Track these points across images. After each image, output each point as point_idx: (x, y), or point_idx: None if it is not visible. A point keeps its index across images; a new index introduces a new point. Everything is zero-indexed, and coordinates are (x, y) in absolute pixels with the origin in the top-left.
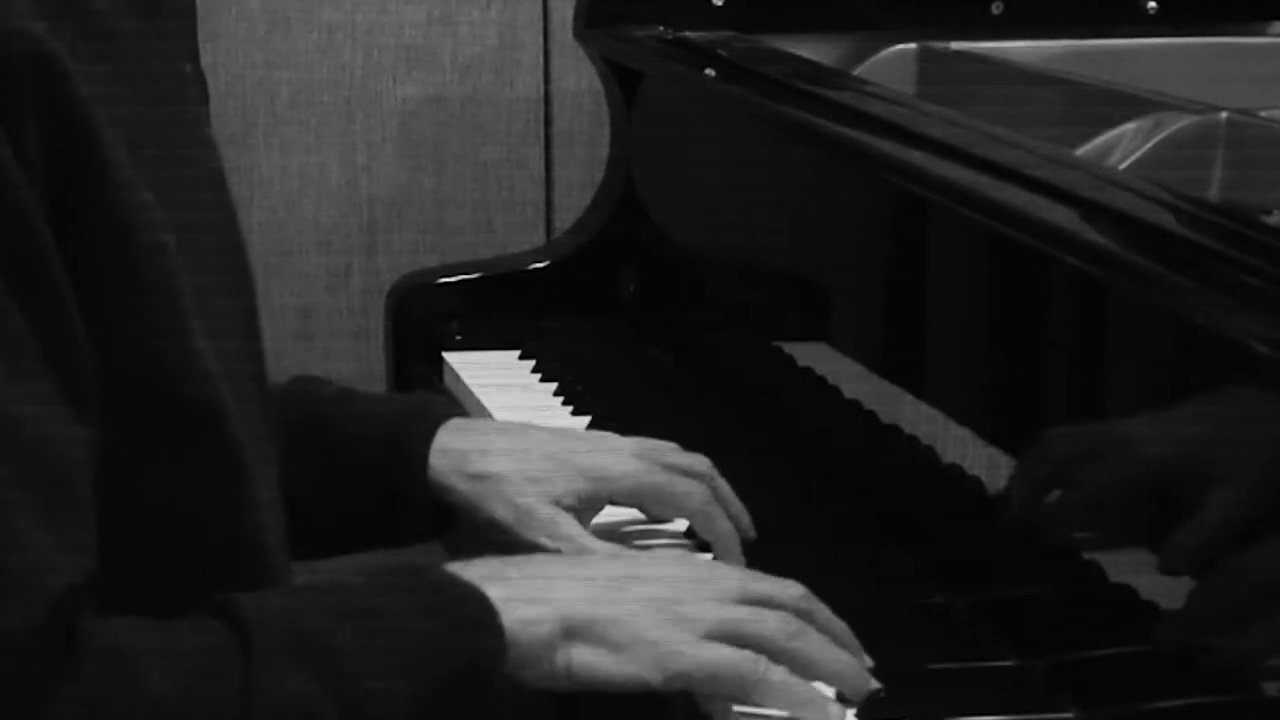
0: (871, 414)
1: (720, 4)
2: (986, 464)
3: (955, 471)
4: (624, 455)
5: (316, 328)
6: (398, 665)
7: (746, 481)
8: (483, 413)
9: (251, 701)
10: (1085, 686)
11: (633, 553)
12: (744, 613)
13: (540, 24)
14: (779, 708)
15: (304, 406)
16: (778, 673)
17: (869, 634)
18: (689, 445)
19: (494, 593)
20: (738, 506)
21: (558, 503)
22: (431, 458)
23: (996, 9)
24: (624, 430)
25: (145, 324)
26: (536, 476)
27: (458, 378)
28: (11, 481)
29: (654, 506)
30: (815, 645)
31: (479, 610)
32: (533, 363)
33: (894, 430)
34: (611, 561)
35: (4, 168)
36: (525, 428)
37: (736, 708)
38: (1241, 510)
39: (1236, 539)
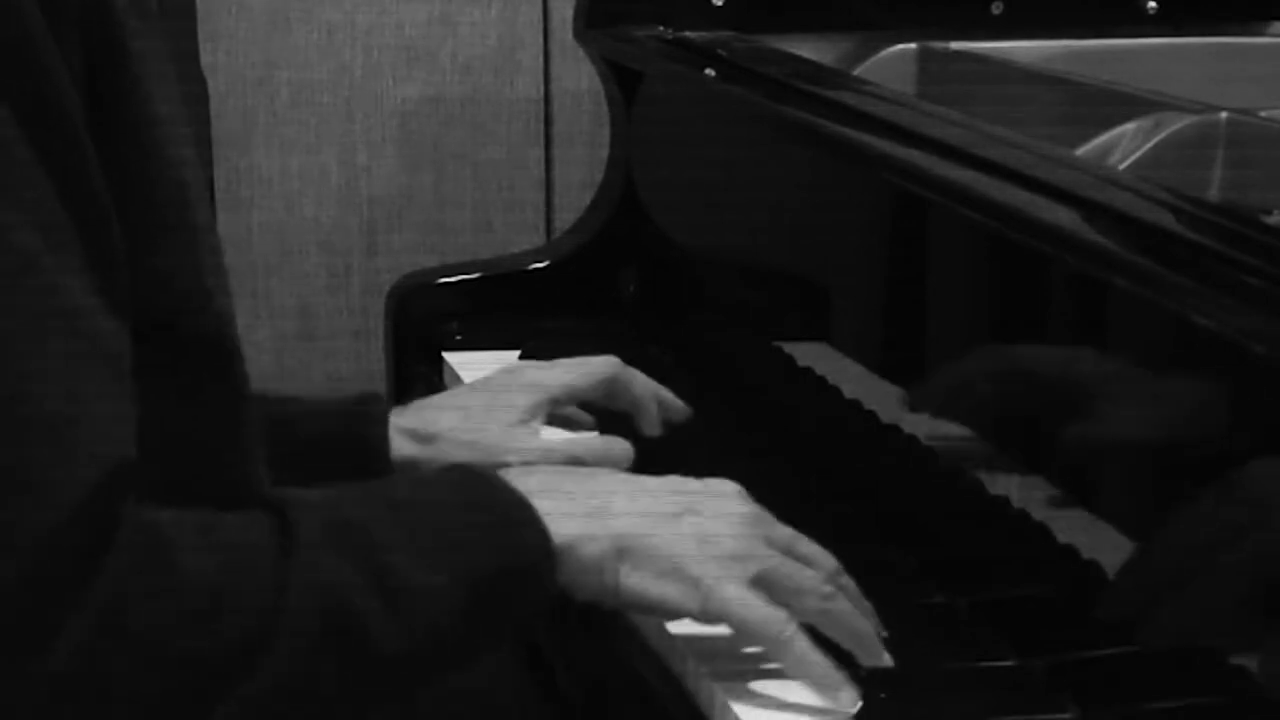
0: (871, 414)
1: (720, 4)
2: (986, 464)
3: (955, 471)
4: (544, 366)
5: (316, 328)
6: (441, 561)
7: (747, 481)
8: None
9: (287, 589)
10: (1085, 686)
11: (695, 484)
12: (787, 566)
13: (540, 24)
14: (795, 674)
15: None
16: (802, 642)
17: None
18: (689, 445)
19: (545, 505)
20: (656, 384)
21: (507, 424)
22: (391, 443)
23: (996, 9)
24: (624, 430)
25: (168, 257)
26: (479, 410)
27: (458, 378)
28: (78, 355)
29: (582, 392)
30: (844, 609)
31: (524, 515)
32: (532, 363)
33: (894, 430)
34: (671, 493)
35: (53, 76)
36: (464, 387)
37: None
38: (1244, 510)
39: (1236, 538)
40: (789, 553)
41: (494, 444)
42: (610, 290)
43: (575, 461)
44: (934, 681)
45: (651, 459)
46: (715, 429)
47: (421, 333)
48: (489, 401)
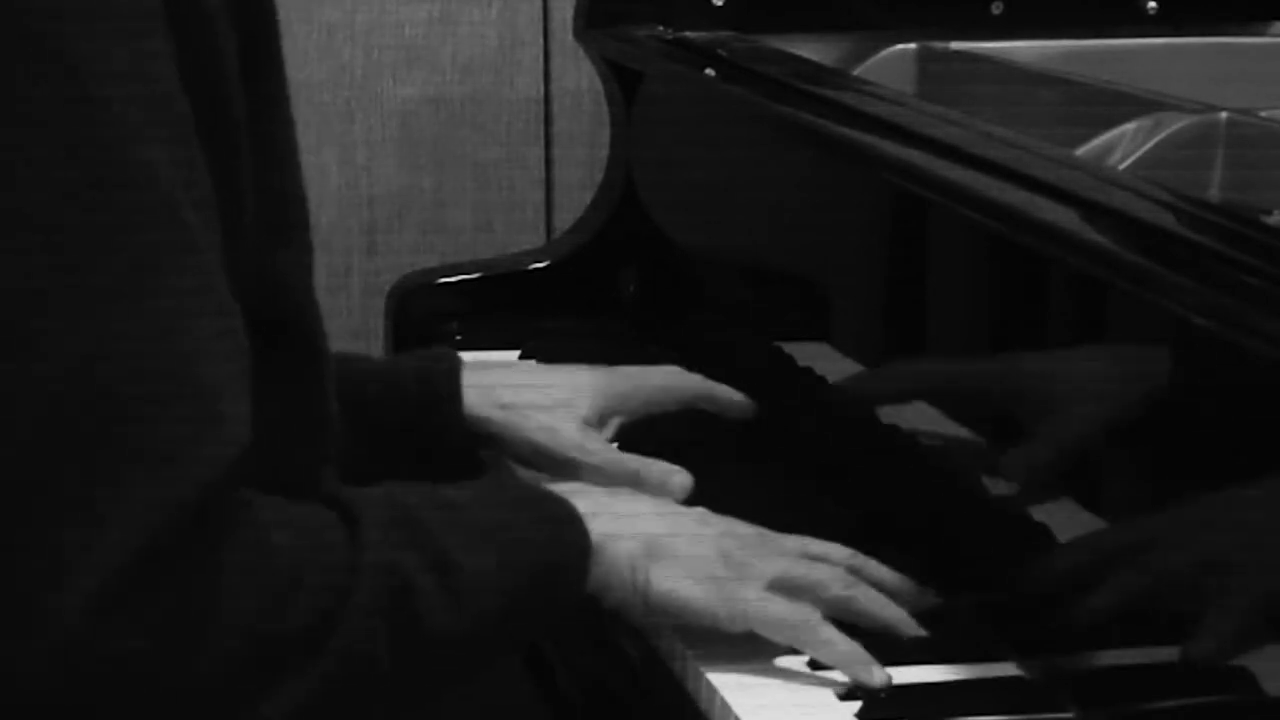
0: (871, 414)
1: (720, 4)
2: (986, 463)
3: (955, 472)
4: (632, 374)
5: None
6: (491, 555)
7: (747, 481)
8: None
9: (360, 566)
10: (1085, 686)
11: (704, 510)
12: (801, 566)
13: (540, 24)
14: (827, 660)
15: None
16: (827, 629)
17: (869, 633)
18: (689, 445)
19: (581, 505)
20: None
21: (585, 422)
22: (465, 394)
23: (996, 9)
24: (625, 430)
25: (285, 257)
26: (561, 400)
27: None
28: (225, 340)
29: (659, 403)
30: (865, 595)
31: (563, 512)
32: (532, 363)
33: (894, 430)
34: (688, 509)
35: (223, 70)
36: (539, 365)
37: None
38: (1244, 510)
39: (1236, 535)
40: (805, 555)
41: (567, 439)
42: (610, 290)
43: (634, 479)
44: (934, 682)
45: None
46: (715, 429)
47: (421, 333)
48: (573, 395)
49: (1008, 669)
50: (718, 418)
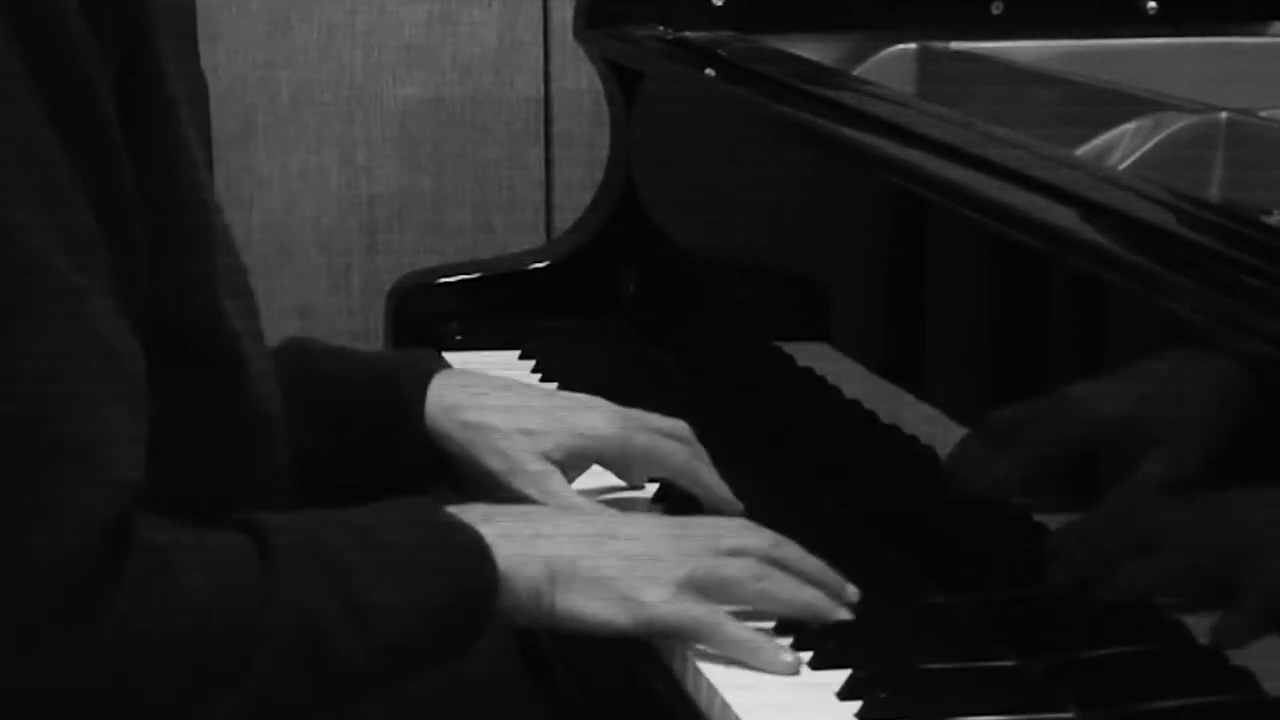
0: (871, 414)
1: (720, 4)
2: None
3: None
4: (612, 417)
5: (316, 328)
6: (401, 585)
7: (746, 481)
8: None
9: (271, 606)
10: (1085, 686)
11: (612, 512)
12: (712, 562)
13: (540, 24)
14: (737, 658)
15: (299, 364)
16: (734, 627)
17: (869, 634)
18: None
19: (487, 532)
20: (711, 471)
21: (548, 457)
22: (427, 405)
23: (996, 9)
24: None
25: (188, 267)
26: (529, 429)
27: None
28: (102, 377)
29: (638, 466)
30: (780, 585)
31: (473, 542)
32: (533, 363)
33: (894, 430)
34: (592, 518)
35: (95, 90)
36: (516, 383)
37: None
38: (1244, 509)
39: (1237, 537)
40: (714, 551)
41: (522, 470)
42: (610, 290)
43: None
44: (934, 681)
45: None
46: (715, 429)
47: (421, 333)
48: (543, 425)
49: (1007, 668)
50: (717, 418)
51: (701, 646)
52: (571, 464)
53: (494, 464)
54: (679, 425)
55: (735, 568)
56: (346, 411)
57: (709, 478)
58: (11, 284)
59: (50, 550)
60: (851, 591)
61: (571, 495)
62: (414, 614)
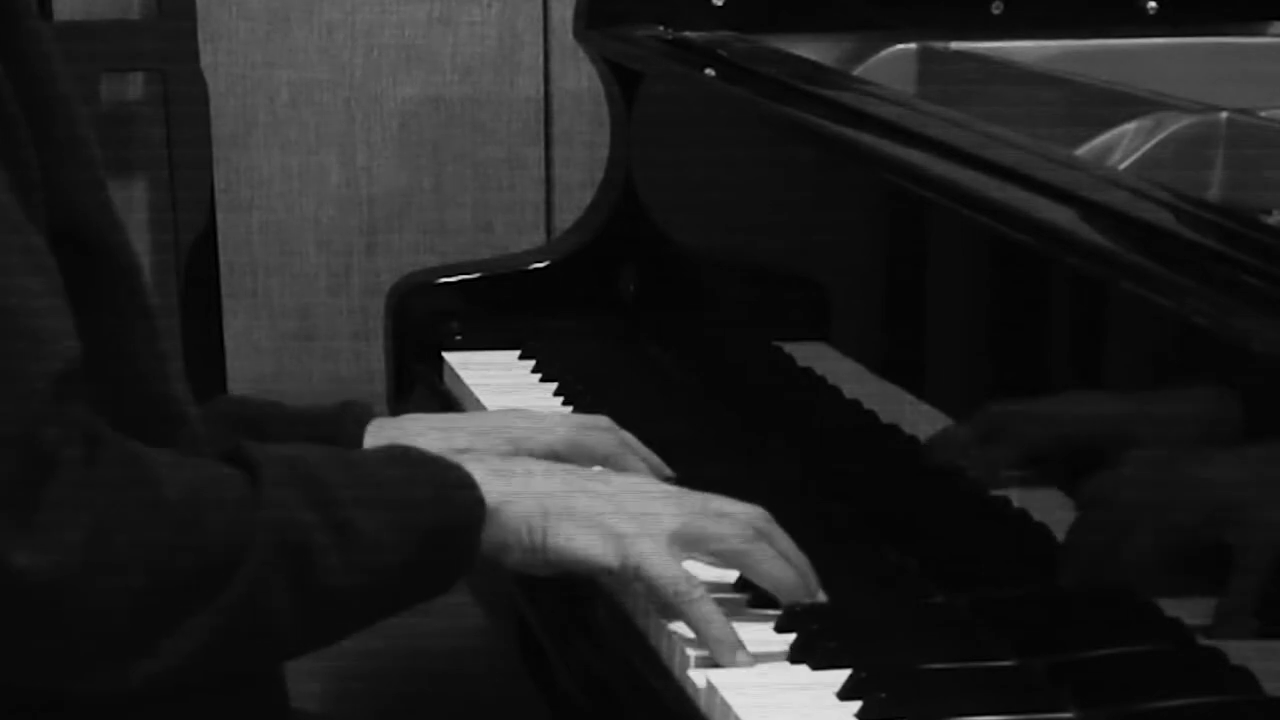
0: (871, 414)
1: (720, 4)
2: (987, 464)
3: (955, 471)
4: (537, 420)
5: (316, 328)
6: (387, 515)
7: (746, 481)
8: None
9: (257, 520)
10: (1085, 686)
11: (606, 470)
12: (702, 520)
13: (540, 24)
14: (697, 635)
15: (234, 418)
16: (707, 606)
17: (869, 634)
18: (688, 445)
19: (477, 469)
20: (646, 451)
21: None
22: (365, 447)
23: (996, 9)
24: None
25: (67, 173)
26: (462, 449)
27: (458, 378)
28: (25, 261)
29: (569, 457)
30: (764, 555)
31: (460, 476)
32: (533, 363)
33: (894, 430)
34: (586, 470)
35: None
36: (450, 416)
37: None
38: (1241, 509)
39: (1236, 536)
40: (707, 512)
41: None
42: (610, 290)
43: None
44: (934, 681)
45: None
46: (715, 429)
47: (421, 333)
48: (472, 442)
49: (1007, 668)
50: (717, 418)
51: (674, 626)
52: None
53: None
54: (600, 419)
55: (724, 528)
56: None
57: (634, 462)
58: None
59: (6, 419)
60: (821, 597)
61: None
62: (398, 537)
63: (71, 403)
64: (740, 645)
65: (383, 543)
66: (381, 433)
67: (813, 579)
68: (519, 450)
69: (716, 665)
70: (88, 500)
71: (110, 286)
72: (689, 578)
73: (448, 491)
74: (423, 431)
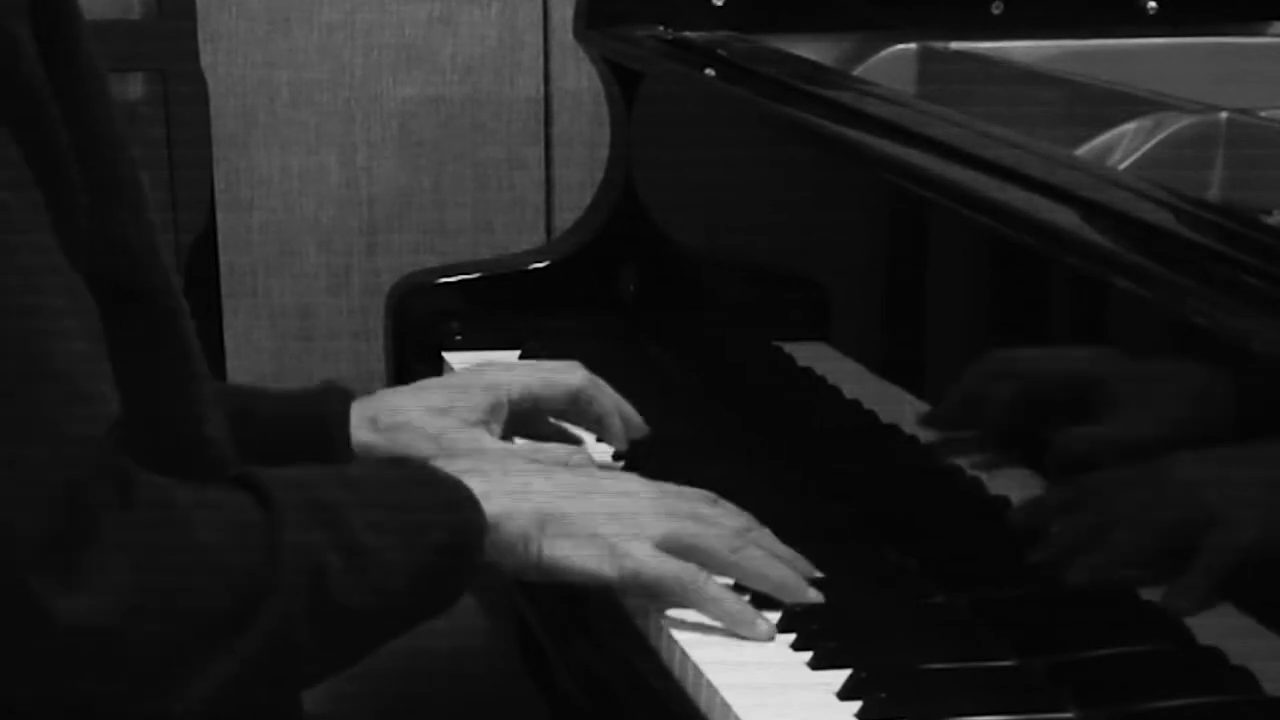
0: (871, 414)
1: (720, 4)
2: (986, 464)
3: (955, 471)
4: (507, 368)
5: (316, 328)
6: (395, 537)
7: (746, 481)
8: None
9: (278, 552)
10: (1085, 686)
11: (598, 470)
12: (691, 526)
13: (540, 24)
14: (714, 618)
15: (229, 403)
16: (715, 587)
17: (869, 634)
18: (688, 445)
19: (475, 485)
20: (612, 391)
21: (465, 422)
22: (352, 427)
23: (996, 9)
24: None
25: (115, 216)
26: (440, 407)
27: None
28: (69, 309)
29: (544, 400)
30: (754, 559)
31: (460, 495)
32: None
33: (894, 430)
34: (577, 473)
35: (16, 40)
36: (423, 382)
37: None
38: (1241, 509)
39: (1236, 535)
40: (694, 517)
41: (453, 440)
42: (610, 290)
43: None
44: (934, 681)
45: (653, 460)
46: (715, 429)
47: (421, 333)
48: (451, 399)
49: (1007, 668)
50: (717, 418)
51: (672, 613)
52: (493, 419)
53: (425, 448)
54: (570, 363)
55: (713, 533)
56: (278, 446)
57: (605, 403)
58: None
59: (51, 481)
60: (814, 594)
61: (508, 445)
62: (407, 558)
63: (109, 453)
64: (759, 617)
65: (393, 564)
66: (364, 409)
67: (805, 566)
68: (496, 396)
69: (716, 664)
70: (125, 548)
71: (151, 330)
72: (688, 566)
73: (452, 512)
74: (399, 405)
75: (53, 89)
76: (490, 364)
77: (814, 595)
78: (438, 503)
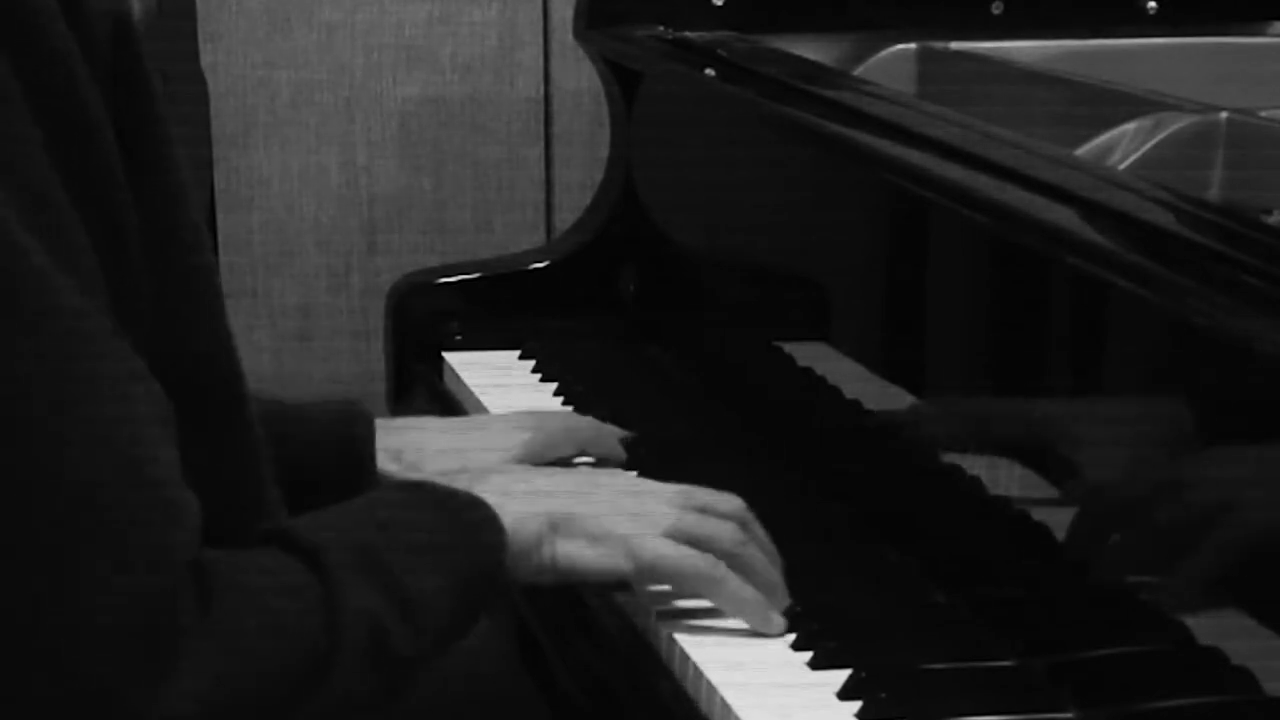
0: (871, 414)
1: (720, 4)
2: (986, 464)
3: (955, 471)
4: (515, 420)
5: (316, 328)
6: (429, 567)
7: (746, 481)
8: (482, 413)
9: (338, 619)
10: (1085, 686)
11: (591, 469)
12: (695, 518)
13: (540, 24)
14: (729, 608)
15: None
16: (734, 580)
17: (869, 634)
18: (688, 445)
19: (490, 497)
20: (619, 432)
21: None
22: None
23: (996, 9)
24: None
25: (184, 304)
26: (467, 450)
27: (458, 378)
28: (149, 413)
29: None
30: (755, 556)
31: (481, 512)
32: (533, 363)
33: (894, 430)
34: (576, 473)
35: (98, 127)
36: (451, 423)
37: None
38: (1241, 509)
39: (1235, 535)
40: (689, 505)
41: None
42: (610, 290)
43: None
44: (934, 681)
45: (653, 460)
46: (715, 429)
47: (421, 333)
48: (484, 443)
49: (1007, 668)
50: (717, 418)
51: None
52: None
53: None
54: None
55: (716, 527)
56: (309, 473)
57: (608, 442)
58: (49, 330)
59: (144, 582)
60: (779, 620)
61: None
62: (446, 592)
63: (198, 555)
64: (772, 610)
65: (435, 602)
66: (389, 440)
67: (782, 590)
68: (532, 457)
69: (715, 663)
70: (210, 645)
71: (214, 411)
72: (707, 556)
73: (475, 533)
74: (431, 451)
75: (127, 171)
76: (525, 417)
77: (779, 622)
78: (461, 525)
